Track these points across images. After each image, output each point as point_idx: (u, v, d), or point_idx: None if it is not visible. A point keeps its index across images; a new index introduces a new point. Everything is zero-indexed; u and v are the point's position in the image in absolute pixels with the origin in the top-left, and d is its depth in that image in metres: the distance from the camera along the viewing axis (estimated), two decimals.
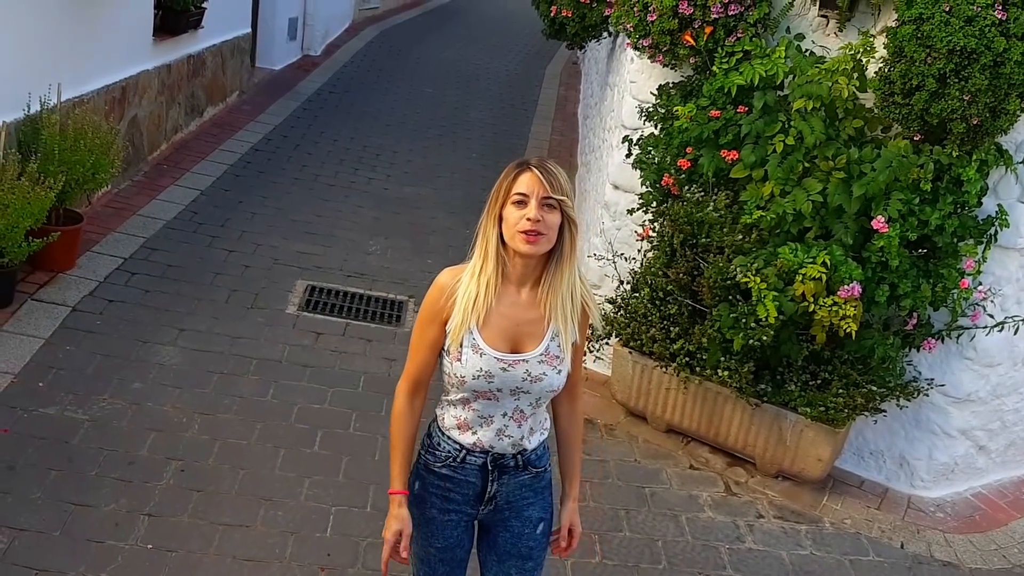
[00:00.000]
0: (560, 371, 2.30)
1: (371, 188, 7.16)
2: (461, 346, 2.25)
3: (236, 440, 4.02)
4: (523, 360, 2.26)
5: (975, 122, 3.60)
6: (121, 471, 3.69)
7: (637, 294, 4.54)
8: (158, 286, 5.14)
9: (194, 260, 5.50)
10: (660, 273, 4.39)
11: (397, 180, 7.43)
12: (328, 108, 9.00)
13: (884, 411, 4.17)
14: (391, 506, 2.40)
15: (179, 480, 3.71)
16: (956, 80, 3.55)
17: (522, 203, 2.18)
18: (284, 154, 7.53)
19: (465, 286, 2.25)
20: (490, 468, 2.38)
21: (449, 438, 2.40)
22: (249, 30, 9.02)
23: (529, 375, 2.26)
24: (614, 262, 4.82)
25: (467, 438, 2.37)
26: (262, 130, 7.97)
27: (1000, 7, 3.47)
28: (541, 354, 2.27)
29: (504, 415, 2.33)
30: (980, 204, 3.85)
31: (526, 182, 2.18)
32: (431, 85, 10.63)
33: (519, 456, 2.39)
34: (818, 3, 4.14)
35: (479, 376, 2.26)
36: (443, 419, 2.43)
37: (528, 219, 2.15)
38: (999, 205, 3.89)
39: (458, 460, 2.38)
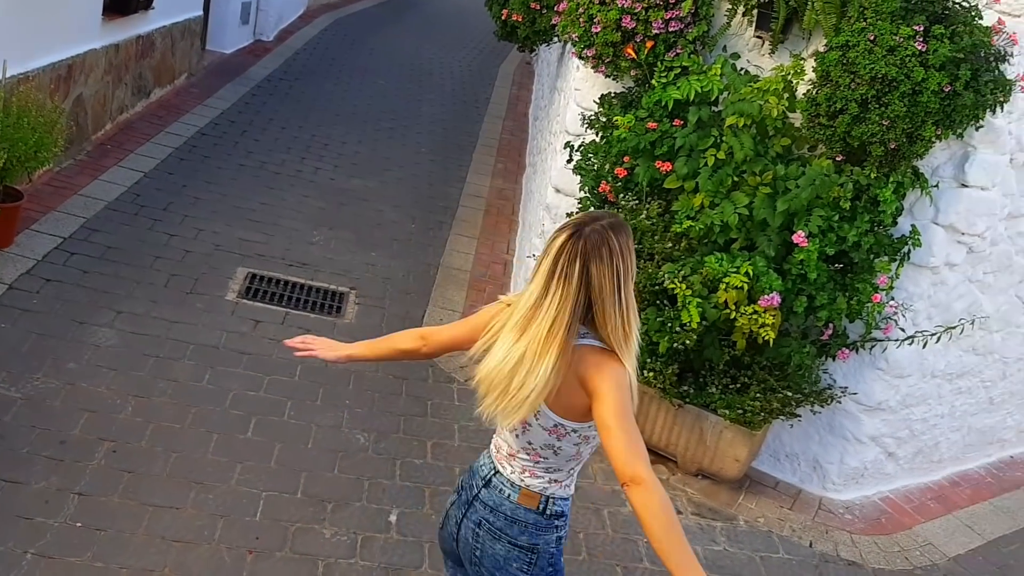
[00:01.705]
0: None
1: (318, 178, 7.20)
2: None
3: (169, 423, 4.07)
4: None
5: (893, 146, 3.81)
6: (52, 450, 3.72)
7: None
8: (97, 267, 5.14)
9: (134, 243, 5.50)
10: None
11: (344, 171, 7.47)
12: (278, 95, 8.99)
13: (799, 416, 4.37)
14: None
15: (111, 461, 3.75)
16: (877, 106, 3.75)
17: None
18: (231, 140, 7.52)
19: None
20: None
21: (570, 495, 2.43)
22: (201, 13, 8.96)
23: None
24: None
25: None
26: (210, 114, 7.94)
27: (920, 39, 3.68)
28: None
29: None
30: (895, 223, 4.07)
31: None
32: (384, 77, 10.66)
33: None
34: (754, 25, 4.32)
35: None
36: (570, 485, 2.41)
37: None
38: (913, 225, 4.11)
39: None
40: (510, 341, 2.21)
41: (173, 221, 5.90)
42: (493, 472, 2.41)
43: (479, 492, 2.42)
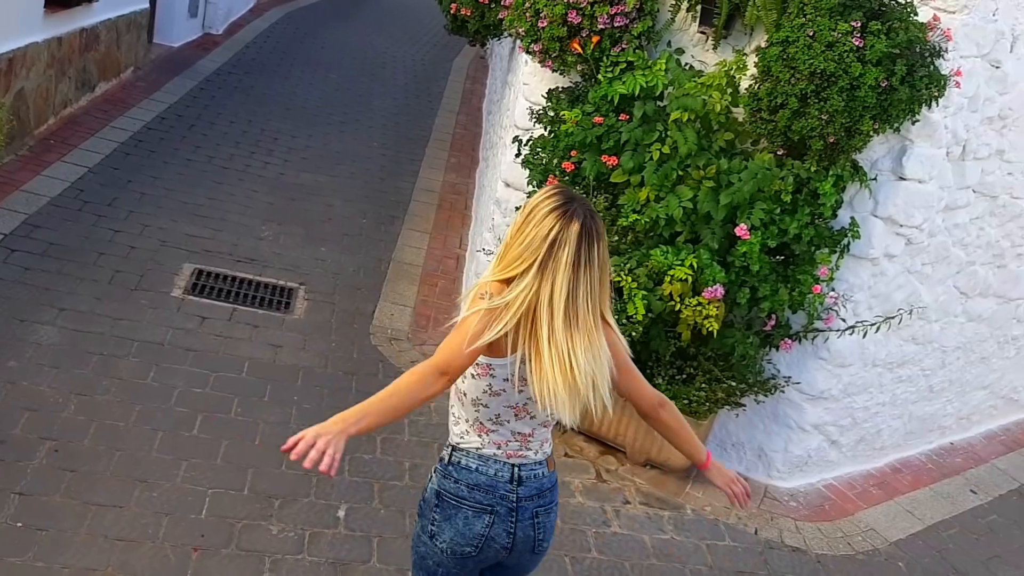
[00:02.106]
0: None
1: (267, 173, 7.13)
2: None
3: (113, 422, 4.02)
4: None
5: (832, 140, 3.88)
6: None
7: None
8: (39, 264, 5.04)
9: (78, 239, 5.41)
10: None
11: (294, 166, 7.42)
12: (227, 89, 8.89)
13: (744, 405, 4.45)
14: None
15: (52, 460, 3.70)
16: (816, 100, 3.81)
17: None
18: (178, 134, 7.42)
19: None
20: None
21: None
22: (147, 5, 8.82)
23: None
24: None
25: None
26: (156, 108, 7.82)
27: (858, 35, 3.75)
28: None
29: None
30: (835, 216, 4.15)
31: None
32: (336, 71, 10.59)
33: None
34: (698, 20, 4.37)
35: None
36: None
37: None
38: (852, 218, 4.20)
39: None
40: (573, 342, 2.17)
41: (118, 217, 5.81)
42: (516, 469, 2.39)
43: (518, 495, 2.40)
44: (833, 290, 4.25)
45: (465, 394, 2.36)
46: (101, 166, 6.45)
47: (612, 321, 2.33)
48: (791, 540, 4.38)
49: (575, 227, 2.18)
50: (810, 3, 3.85)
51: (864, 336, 4.41)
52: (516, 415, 2.35)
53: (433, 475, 2.47)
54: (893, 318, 4.40)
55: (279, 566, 3.47)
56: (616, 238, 4.32)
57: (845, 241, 4.22)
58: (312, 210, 6.69)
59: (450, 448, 2.45)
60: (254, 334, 4.97)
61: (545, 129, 4.74)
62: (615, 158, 4.35)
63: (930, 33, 3.82)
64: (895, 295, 4.51)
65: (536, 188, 4.69)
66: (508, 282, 2.22)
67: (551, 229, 2.18)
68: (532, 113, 4.84)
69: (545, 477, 2.45)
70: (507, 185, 5.19)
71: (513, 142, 4.91)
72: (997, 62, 4.24)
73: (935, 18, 3.86)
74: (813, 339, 4.40)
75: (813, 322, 4.30)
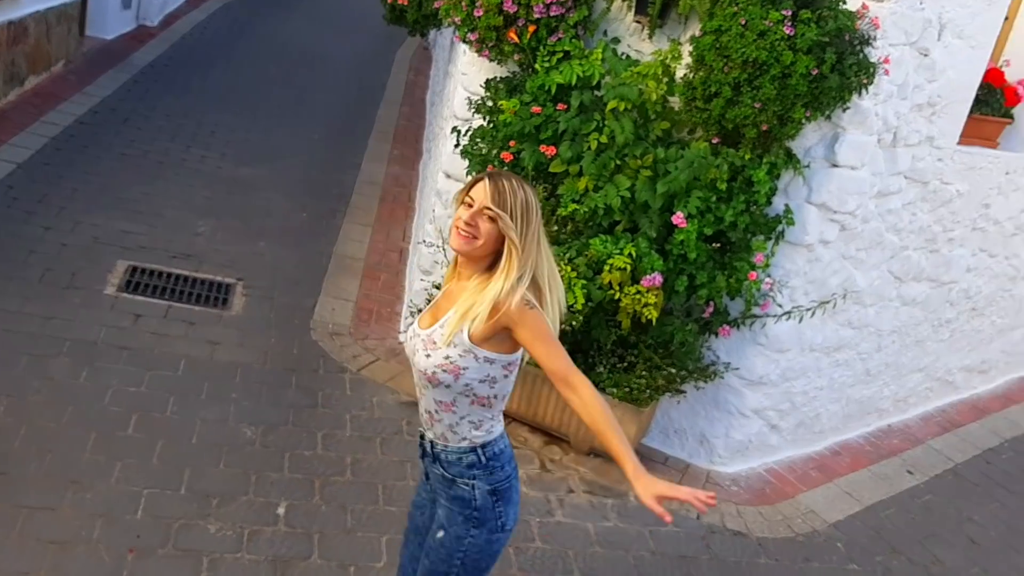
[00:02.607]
0: (429, 356, 2.40)
1: (204, 167, 7.00)
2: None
3: (44, 423, 3.91)
4: (416, 334, 2.50)
5: (765, 128, 3.92)
6: None
7: None
8: None
9: (6, 236, 5.24)
10: None
11: (233, 159, 7.29)
12: (163, 82, 8.69)
13: (684, 392, 4.49)
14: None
15: None
16: (749, 89, 3.85)
17: (468, 206, 2.36)
18: (111, 128, 7.24)
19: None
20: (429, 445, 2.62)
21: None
22: None
23: (414, 349, 2.49)
24: (444, 248, 4.94)
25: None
26: (88, 102, 7.62)
27: (789, 23, 3.79)
28: (425, 334, 2.45)
29: (416, 384, 2.59)
30: (770, 203, 4.20)
31: (478, 190, 2.37)
32: (276, 63, 10.43)
33: (430, 445, 2.59)
34: (633, 10, 4.38)
35: (412, 356, 2.54)
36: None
37: (462, 220, 2.35)
38: (786, 205, 4.25)
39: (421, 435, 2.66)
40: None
41: (49, 213, 5.65)
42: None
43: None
44: (769, 276, 4.30)
45: (497, 396, 2.48)
46: (31, 162, 6.27)
47: None
48: (733, 524, 4.43)
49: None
50: None
51: (800, 321, 4.48)
52: None
53: (475, 481, 2.52)
54: (828, 303, 4.48)
55: (217, 565, 3.41)
56: (556, 228, 4.33)
57: (780, 228, 4.27)
58: (251, 204, 6.58)
59: (479, 447, 2.52)
60: (190, 331, 4.87)
61: (484, 119, 4.72)
62: (553, 148, 4.35)
63: (859, 21, 3.87)
64: (830, 280, 4.58)
65: None
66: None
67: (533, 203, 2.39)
68: (471, 103, 4.82)
69: None
70: (448, 176, 5.16)
71: (452, 132, 4.88)
72: (925, 50, 4.32)
73: (864, 6, 3.92)
74: (751, 325, 4.45)
75: (750, 308, 4.35)
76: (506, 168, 4.51)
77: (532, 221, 2.36)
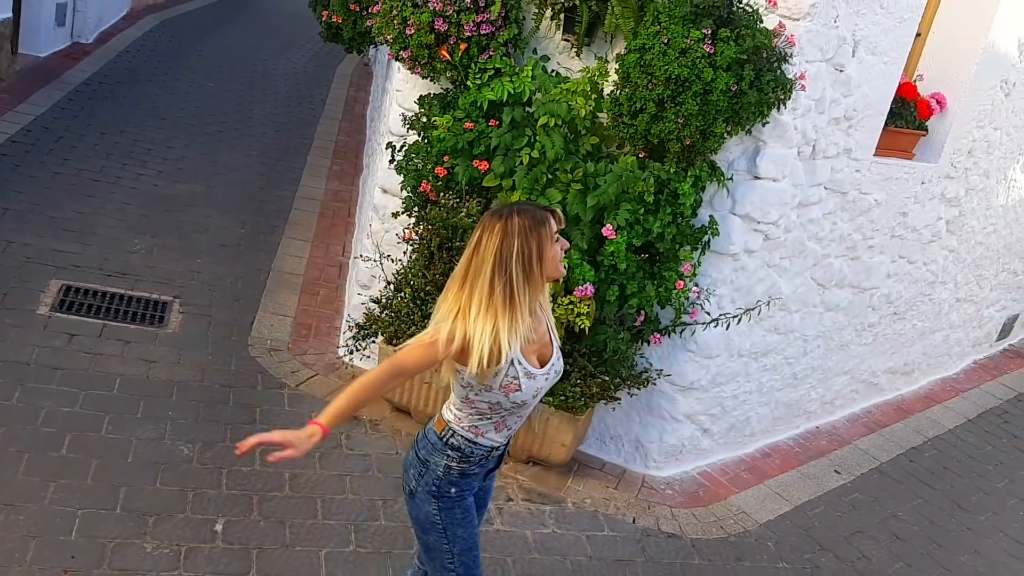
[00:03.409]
0: (561, 359, 2.81)
1: (140, 184, 6.95)
2: (516, 378, 2.62)
3: None
4: (552, 365, 2.74)
5: (688, 143, 4.06)
6: None
7: (400, 294, 4.74)
8: None
9: None
10: (420, 274, 4.62)
11: (169, 176, 7.25)
12: (97, 99, 8.60)
13: (619, 399, 4.60)
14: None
15: None
16: (672, 105, 3.99)
17: (558, 240, 2.64)
18: (44, 147, 7.15)
19: (491, 330, 2.53)
20: (503, 452, 2.88)
21: (481, 444, 2.76)
22: (10, 14, 8.46)
23: (556, 373, 2.77)
24: (381, 263, 5.00)
25: (500, 436, 2.79)
26: (21, 120, 7.51)
27: (709, 42, 3.94)
28: (558, 355, 2.77)
29: (528, 412, 2.83)
30: (695, 215, 4.34)
31: (556, 223, 2.64)
32: (214, 79, 10.38)
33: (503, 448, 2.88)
34: (561, 28, 4.50)
35: (537, 394, 2.71)
36: (475, 431, 2.74)
37: (563, 250, 2.67)
38: (711, 216, 4.40)
39: (489, 456, 2.82)
40: None
41: None
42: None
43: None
44: (697, 285, 4.45)
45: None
46: None
47: None
48: (667, 527, 4.55)
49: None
50: (664, 11, 4.02)
51: (728, 328, 4.62)
52: None
53: None
54: (754, 310, 4.63)
55: None
56: None
57: (706, 238, 4.42)
58: (188, 221, 6.56)
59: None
60: (126, 350, 4.85)
61: (418, 135, 4.79)
62: (486, 163, 4.45)
63: (776, 39, 4.04)
64: (756, 288, 4.74)
65: (411, 193, 4.74)
66: None
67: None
68: (405, 119, 4.90)
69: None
70: (384, 191, 5.23)
71: (387, 148, 4.95)
72: (841, 66, 4.51)
73: (780, 25, 4.08)
74: (681, 333, 4.59)
75: (680, 316, 4.48)
76: (439, 182, 4.60)
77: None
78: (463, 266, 2.59)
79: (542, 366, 2.70)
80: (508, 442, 2.87)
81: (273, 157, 8.35)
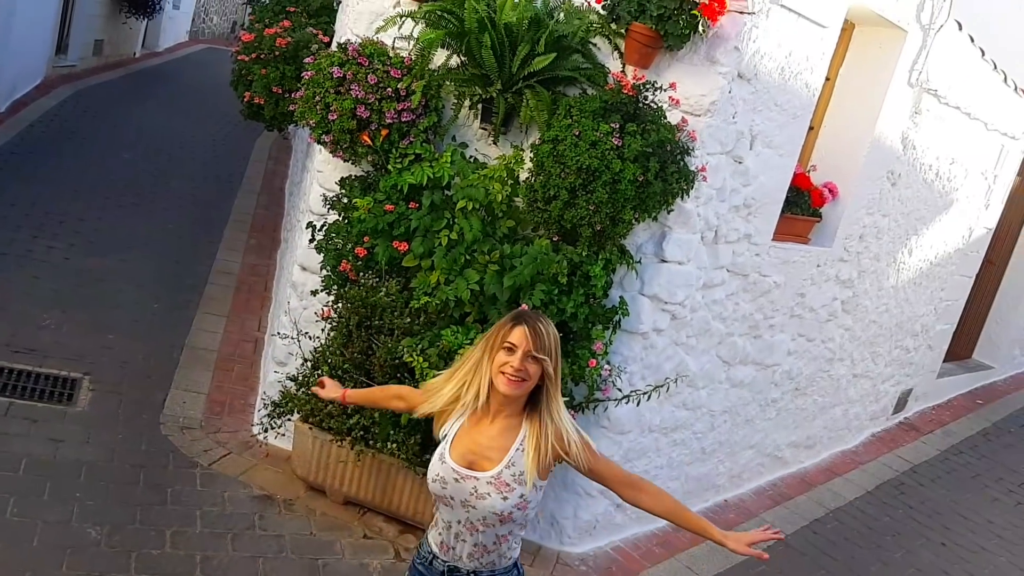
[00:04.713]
0: (507, 498, 2.59)
1: (51, 258, 6.83)
2: (440, 451, 2.68)
3: None
4: (474, 477, 2.61)
5: (599, 228, 4.27)
6: None
7: (318, 372, 4.77)
8: None
9: None
10: (338, 352, 4.67)
11: (82, 250, 7.14)
12: (8, 170, 8.44)
13: None
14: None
15: None
16: (584, 193, 4.20)
17: (511, 351, 2.56)
18: None
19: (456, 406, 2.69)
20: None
21: (427, 539, 2.81)
22: None
23: (476, 492, 2.60)
24: (299, 340, 5.03)
25: (434, 537, 2.78)
26: None
27: (617, 135, 4.18)
28: (492, 477, 2.60)
29: (459, 522, 2.68)
30: (607, 295, 4.53)
31: (518, 335, 2.57)
32: (130, 151, 10.30)
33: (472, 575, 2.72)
34: (479, 118, 4.71)
35: (435, 480, 2.66)
36: (432, 522, 2.80)
37: (512, 366, 2.55)
38: (621, 296, 4.60)
39: (427, 562, 2.79)
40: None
41: None
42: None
43: None
44: (608, 363, 4.61)
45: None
46: None
47: None
48: None
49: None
50: (575, 106, 4.27)
51: (639, 404, 4.79)
52: None
53: None
54: (662, 386, 4.82)
55: None
56: (409, 320, 4.51)
57: (617, 318, 4.60)
58: (100, 296, 6.46)
59: (516, 560, 2.83)
60: (32, 429, 4.73)
61: (339, 215, 4.90)
62: (406, 244, 4.57)
63: (679, 134, 4.32)
64: (665, 365, 4.94)
65: (330, 272, 4.82)
66: None
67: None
68: (326, 199, 5.00)
69: None
70: (303, 268, 5.28)
71: (307, 228, 5.03)
72: (740, 158, 4.83)
73: (683, 120, 4.37)
74: (594, 409, 4.73)
75: (593, 393, 4.63)
76: (359, 262, 4.69)
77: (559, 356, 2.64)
78: None
79: (464, 467, 2.63)
80: (469, 561, 2.70)
81: (189, 230, 8.30)
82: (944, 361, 9.03)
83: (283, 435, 5.09)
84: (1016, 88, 7.27)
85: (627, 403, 4.76)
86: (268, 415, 4.80)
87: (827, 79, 5.42)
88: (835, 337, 6.45)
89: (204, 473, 4.77)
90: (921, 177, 6.60)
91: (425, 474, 4.49)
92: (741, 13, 4.31)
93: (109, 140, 10.49)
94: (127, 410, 5.15)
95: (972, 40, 6.26)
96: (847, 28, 5.50)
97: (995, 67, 6.76)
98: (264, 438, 5.18)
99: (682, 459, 5.46)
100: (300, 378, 4.81)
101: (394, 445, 4.45)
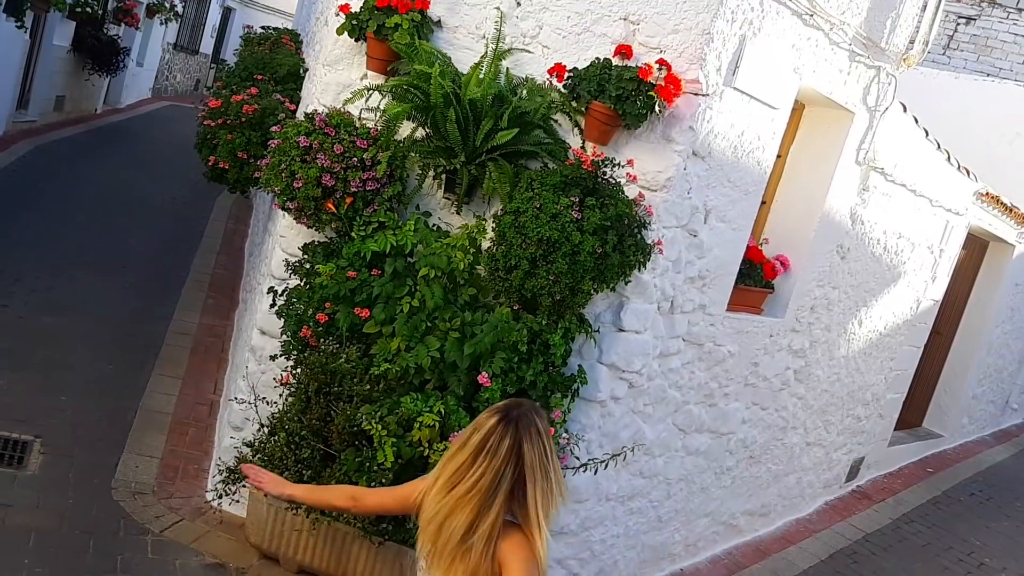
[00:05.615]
0: None
1: (3, 317, 6.72)
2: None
3: None
4: None
5: (559, 298, 4.36)
6: None
7: (275, 437, 4.74)
8: None
9: None
10: (296, 418, 4.66)
11: (35, 309, 7.05)
12: None
13: None
14: None
15: None
16: (544, 263, 4.29)
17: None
18: None
19: None
20: None
21: None
22: None
23: None
24: (256, 406, 5.00)
25: None
26: None
27: (577, 208, 4.30)
28: None
29: None
30: (566, 363, 4.60)
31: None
32: (88, 209, 10.24)
33: None
34: (443, 188, 4.81)
35: None
36: None
37: None
38: (580, 365, 4.67)
39: None
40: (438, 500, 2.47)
41: None
42: None
43: None
44: (567, 431, 4.65)
45: None
46: None
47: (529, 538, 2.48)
48: None
49: (491, 421, 2.50)
50: (537, 179, 4.39)
51: (596, 472, 4.82)
52: None
53: None
54: (619, 455, 4.86)
55: None
56: (368, 387, 4.52)
57: (575, 386, 4.66)
58: (53, 357, 6.37)
59: None
60: None
61: (301, 280, 4.92)
62: (368, 310, 4.61)
63: (636, 208, 4.45)
64: (622, 433, 5.00)
65: (290, 337, 4.82)
66: None
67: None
68: (288, 264, 5.03)
69: None
70: (263, 332, 5.28)
71: (268, 293, 5.05)
72: (695, 231, 4.97)
73: (640, 195, 4.51)
74: None
75: None
76: (320, 328, 4.71)
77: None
78: None
79: None
80: None
81: (147, 290, 8.24)
82: (895, 429, 9.22)
83: (237, 501, 5.03)
84: (959, 166, 7.59)
85: (585, 471, 4.79)
86: (223, 481, 4.74)
87: (779, 156, 5.63)
88: (788, 406, 6.57)
89: (155, 540, 4.68)
90: (870, 251, 6.82)
91: (382, 542, 4.51)
92: (696, 95, 4.50)
93: (68, 197, 10.43)
94: (78, 474, 5.05)
95: (916, 121, 6.56)
96: (797, 108, 5.73)
97: (939, 146, 7.07)
98: (218, 504, 5.10)
99: (639, 528, 5.49)
100: (257, 444, 4.77)
101: (349, 514, 4.42)
